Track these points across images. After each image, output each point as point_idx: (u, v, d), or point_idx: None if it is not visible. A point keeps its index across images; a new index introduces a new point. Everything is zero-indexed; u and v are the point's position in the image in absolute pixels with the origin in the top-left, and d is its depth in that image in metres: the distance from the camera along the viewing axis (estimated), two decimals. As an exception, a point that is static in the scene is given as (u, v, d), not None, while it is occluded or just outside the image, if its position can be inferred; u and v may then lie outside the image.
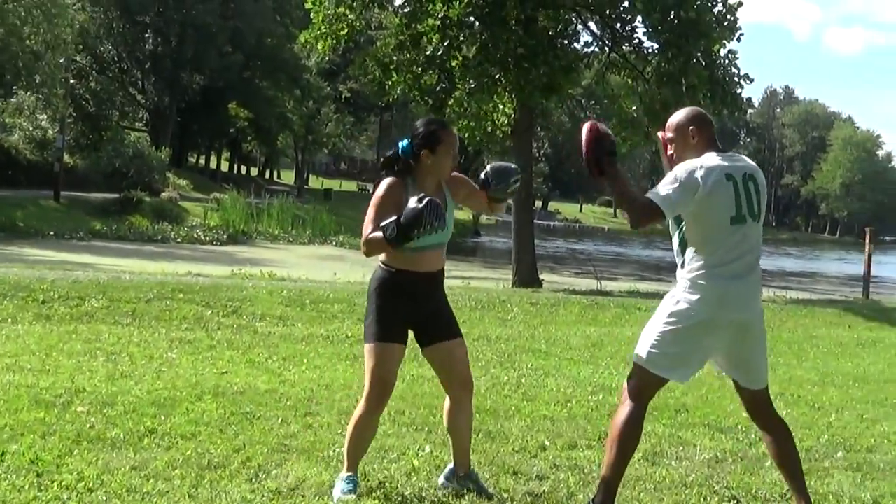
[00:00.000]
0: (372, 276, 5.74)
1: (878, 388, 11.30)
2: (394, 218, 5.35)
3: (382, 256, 5.65)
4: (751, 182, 5.39)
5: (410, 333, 5.80)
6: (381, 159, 5.87)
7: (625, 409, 5.40)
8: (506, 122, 28.03)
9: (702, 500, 6.07)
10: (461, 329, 5.94)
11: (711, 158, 5.36)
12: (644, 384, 5.45)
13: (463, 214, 62.25)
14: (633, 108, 28.00)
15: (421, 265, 5.65)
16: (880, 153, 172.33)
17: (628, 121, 27.69)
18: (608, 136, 5.46)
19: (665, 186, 5.25)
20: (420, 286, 5.69)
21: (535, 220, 32.59)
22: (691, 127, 5.52)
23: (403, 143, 5.75)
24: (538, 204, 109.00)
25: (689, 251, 5.39)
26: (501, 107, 28.09)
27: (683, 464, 6.85)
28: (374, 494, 5.65)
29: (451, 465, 5.99)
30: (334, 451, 6.57)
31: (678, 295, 5.39)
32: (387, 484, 5.88)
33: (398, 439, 7.05)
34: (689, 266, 5.37)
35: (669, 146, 5.60)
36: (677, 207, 5.26)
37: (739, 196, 5.31)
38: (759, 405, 5.65)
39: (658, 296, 22.48)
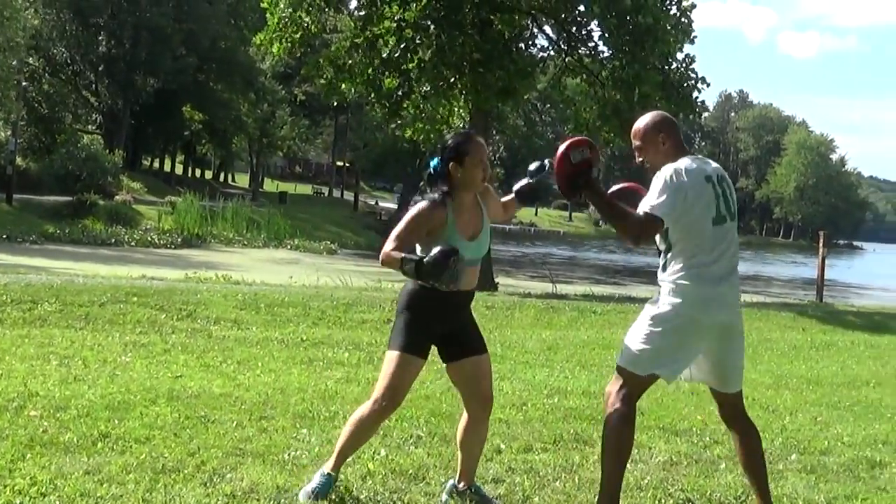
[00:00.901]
0: (404, 289, 5.63)
1: (832, 391, 11.39)
2: (418, 257, 5.27)
3: None
4: (724, 182, 5.44)
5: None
6: (426, 180, 5.76)
7: (614, 415, 5.33)
8: (461, 125, 28.01)
9: (657, 502, 6.10)
10: None
11: (689, 162, 5.36)
12: (632, 387, 5.40)
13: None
14: (588, 111, 27.98)
15: (458, 283, 5.55)
16: (834, 157, 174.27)
17: (585, 125, 27.67)
18: (582, 145, 5.38)
19: (656, 196, 5.21)
20: (451, 302, 5.61)
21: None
22: (661, 133, 5.50)
23: (434, 162, 5.67)
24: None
25: (672, 253, 5.35)
26: (457, 110, 28.12)
27: (639, 467, 6.86)
28: (329, 498, 5.63)
29: (451, 482, 5.93)
30: (289, 454, 6.56)
31: (661, 299, 5.35)
32: (341, 487, 5.84)
33: (354, 443, 7.00)
34: (672, 269, 5.34)
35: (638, 154, 5.57)
36: (673, 214, 5.22)
37: (718, 196, 5.35)
38: (734, 409, 5.66)
39: (613, 299, 22.74)
